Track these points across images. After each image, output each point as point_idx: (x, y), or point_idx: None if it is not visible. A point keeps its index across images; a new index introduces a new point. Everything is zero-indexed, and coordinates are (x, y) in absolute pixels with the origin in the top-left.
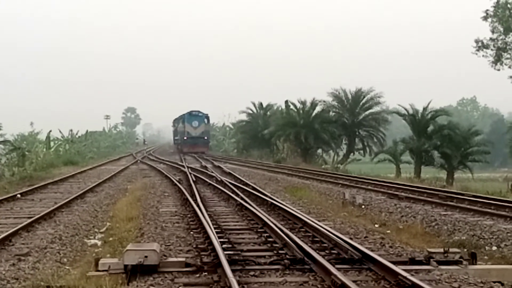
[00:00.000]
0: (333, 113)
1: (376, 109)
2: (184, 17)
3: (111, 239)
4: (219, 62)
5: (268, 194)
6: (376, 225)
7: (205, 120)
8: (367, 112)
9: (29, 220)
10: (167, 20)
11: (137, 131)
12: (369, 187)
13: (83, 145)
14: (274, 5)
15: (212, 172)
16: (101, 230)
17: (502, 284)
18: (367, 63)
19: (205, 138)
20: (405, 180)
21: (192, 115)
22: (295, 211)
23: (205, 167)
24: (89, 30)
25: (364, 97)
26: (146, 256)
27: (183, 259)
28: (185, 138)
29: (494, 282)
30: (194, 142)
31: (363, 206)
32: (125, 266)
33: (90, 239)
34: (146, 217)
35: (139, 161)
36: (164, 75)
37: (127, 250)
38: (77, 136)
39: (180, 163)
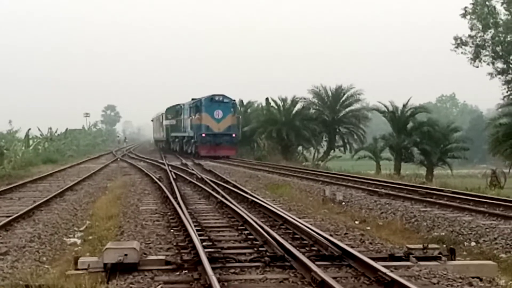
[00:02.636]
0: (314, 110)
1: (356, 106)
2: (164, 15)
3: (90, 237)
4: (199, 60)
5: (249, 192)
6: (356, 222)
7: (232, 109)
8: (347, 109)
9: (8, 219)
10: (146, 18)
11: (117, 129)
12: (350, 184)
13: (62, 143)
14: (252, 3)
15: (193, 169)
16: (81, 229)
17: (481, 280)
18: (347, 61)
19: (233, 135)
20: (385, 177)
21: (215, 102)
22: (276, 208)
23: (186, 165)
24: (67, 27)
25: (344, 94)
26: (126, 254)
27: (163, 257)
28: (202, 135)
29: (473, 277)
30: (217, 142)
31: (343, 203)
32: (105, 264)
33: (69, 237)
34: (126, 215)
35: (119, 159)
36: (144, 73)
37: (107, 248)
38: (56, 134)
39: (161, 161)
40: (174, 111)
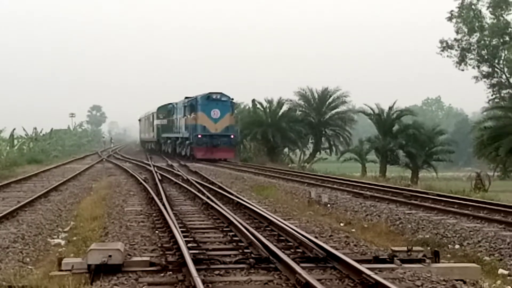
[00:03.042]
0: (300, 112)
1: (342, 108)
2: (153, 15)
3: (75, 238)
4: (184, 61)
5: (234, 193)
6: (341, 224)
7: (231, 108)
8: (333, 112)
9: None
10: (134, 19)
11: (102, 129)
12: (335, 186)
13: (47, 143)
14: (239, 4)
15: (179, 171)
16: (65, 230)
17: (464, 282)
18: (334, 63)
19: (232, 136)
20: (370, 179)
21: (212, 100)
22: (261, 210)
23: (171, 166)
24: (52, 27)
25: (330, 96)
26: (110, 256)
27: (148, 259)
28: (198, 136)
29: (457, 280)
30: (214, 143)
31: (328, 205)
32: (89, 265)
33: (53, 238)
34: (110, 216)
35: (104, 159)
36: (130, 74)
37: (91, 249)
38: (41, 134)
39: (146, 162)
40: (166, 111)
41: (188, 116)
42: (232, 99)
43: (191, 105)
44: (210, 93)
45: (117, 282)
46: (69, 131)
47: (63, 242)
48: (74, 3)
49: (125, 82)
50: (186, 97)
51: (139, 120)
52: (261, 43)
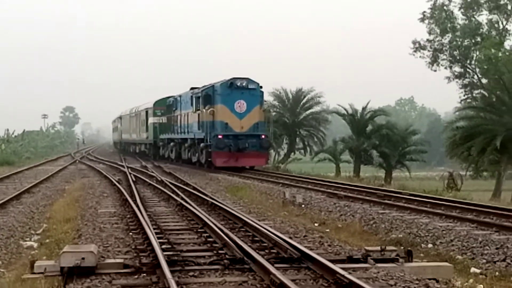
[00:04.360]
0: (274, 113)
1: (316, 109)
2: (124, 14)
3: (47, 240)
4: (159, 62)
5: (209, 194)
6: (316, 224)
7: (260, 98)
8: (307, 112)
9: None
10: (106, 16)
11: (75, 130)
12: (309, 186)
13: (19, 145)
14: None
15: (153, 172)
16: (38, 232)
17: (437, 281)
18: (308, 64)
19: (262, 136)
20: (344, 179)
21: (235, 88)
22: (236, 211)
23: (145, 167)
24: (25, 26)
25: (304, 97)
26: (83, 258)
27: (121, 261)
28: (218, 137)
29: (430, 279)
30: (241, 147)
31: (303, 205)
32: (62, 268)
33: (26, 241)
34: (84, 218)
35: (77, 161)
36: (103, 74)
37: (64, 252)
38: (13, 136)
39: (120, 163)
40: (166, 105)
41: (203, 110)
42: (261, 86)
43: (207, 95)
44: (233, 78)
45: (90, 284)
46: (41, 132)
47: (35, 245)
48: (46, 4)
49: (99, 83)
50: (192, 88)
51: (119, 118)
52: (234, 44)
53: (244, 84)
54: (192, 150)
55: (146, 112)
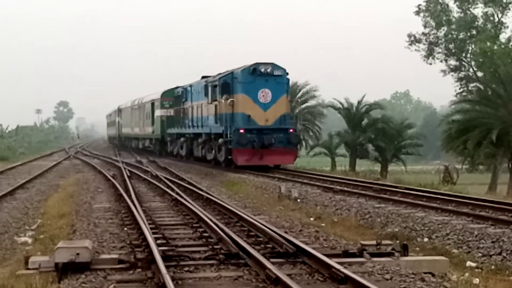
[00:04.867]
0: None
1: (311, 103)
2: (119, 7)
3: (42, 236)
4: (155, 57)
5: (204, 189)
6: (311, 219)
7: (287, 86)
8: (303, 106)
9: None
10: (99, 12)
11: (70, 125)
12: (305, 181)
13: (13, 140)
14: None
15: (147, 167)
16: (32, 228)
17: (433, 275)
18: (302, 58)
19: (290, 131)
20: (340, 173)
21: (259, 75)
22: (231, 206)
23: (140, 162)
24: (17, 19)
25: (300, 90)
26: (78, 254)
27: (116, 256)
28: (239, 131)
29: (425, 273)
30: (266, 142)
31: (298, 200)
32: (56, 264)
33: (20, 236)
34: (78, 214)
35: (72, 156)
36: (98, 69)
37: (58, 247)
38: (7, 131)
39: (115, 158)
40: (174, 96)
41: (221, 100)
42: (288, 73)
43: (225, 84)
44: (256, 64)
45: (85, 280)
46: (35, 127)
47: (30, 240)
48: None
49: (93, 77)
50: (204, 77)
51: (119, 110)
52: (225, 37)
53: (269, 70)
54: (207, 146)
55: (152, 104)
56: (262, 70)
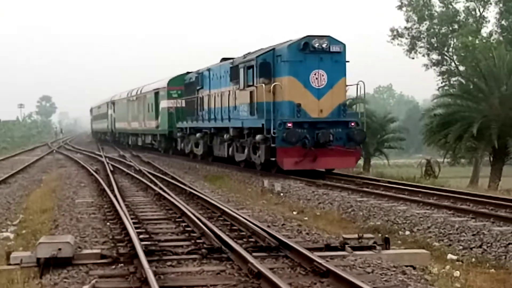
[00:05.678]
0: None
1: None
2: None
3: (24, 231)
4: (138, 50)
5: (187, 183)
6: (294, 212)
7: (345, 65)
8: None
9: None
10: (80, 10)
11: (52, 120)
12: (288, 175)
13: None
14: None
15: (131, 161)
16: (14, 223)
17: (414, 268)
18: None
19: (352, 124)
20: None
21: (310, 52)
22: (214, 200)
23: (123, 157)
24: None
25: None
26: (59, 249)
27: (99, 251)
28: (287, 125)
29: (407, 266)
30: (321, 140)
31: (281, 194)
32: (38, 259)
33: (2, 232)
34: (61, 209)
35: (54, 151)
36: (80, 63)
37: (40, 242)
38: None
39: (98, 153)
40: (185, 84)
41: (260, 85)
42: (344, 45)
43: (264, 64)
44: (308, 37)
45: (67, 275)
46: (18, 122)
47: (12, 236)
48: None
49: (76, 72)
50: (223, 59)
51: (112, 102)
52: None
53: (324, 45)
54: (236, 144)
55: (156, 93)
56: (316, 45)
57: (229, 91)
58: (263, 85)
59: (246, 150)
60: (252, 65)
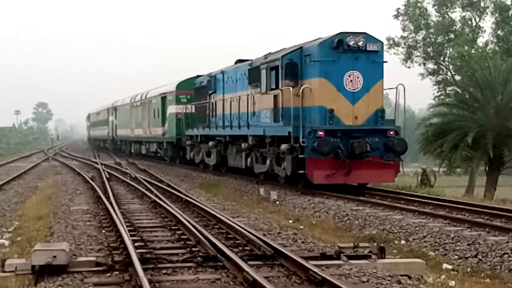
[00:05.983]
0: None
1: None
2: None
3: (19, 238)
4: (135, 56)
5: (183, 191)
6: (290, 221)
7: (383, 66)
8: None
9: None
10: (78, 9)
11: (49, 126)
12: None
13: None
14: None
15: (127, 169)
16: (9, 230)
17: (410, 277)
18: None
19: (391, 133)
20: None
21: (344, 52)
22: (210, 208)
23: (119, 164)
24: None
25: None
26: (54, 256)
27: (94, 259)
28: (318, 133)
29: (402, 275)
30: (357, 150)
31: (277, 202)
32: (33, 266)
33: None
34: (56, 216)
35: (50, 158)
36: (77, 70)
37: (35, 250)
38: None
39: (94, 160)
40: (194, 88)
41: (285, 88)
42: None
43: (291, 64)
44: (341, 33)
45: (62, 283)
46: (14, 128)
47: (7, 243)
48: None
49: (72, 78)
50: (238, 61)
51: (113, 108)
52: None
53: (360, 43)
54: (255, 154)
55: (163, 98)
56: (351, 43)
57: (248, 95)
58: (290, 88)
59: (268, 161)
60: (276, 65)
